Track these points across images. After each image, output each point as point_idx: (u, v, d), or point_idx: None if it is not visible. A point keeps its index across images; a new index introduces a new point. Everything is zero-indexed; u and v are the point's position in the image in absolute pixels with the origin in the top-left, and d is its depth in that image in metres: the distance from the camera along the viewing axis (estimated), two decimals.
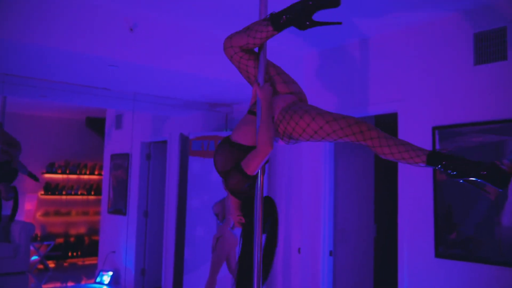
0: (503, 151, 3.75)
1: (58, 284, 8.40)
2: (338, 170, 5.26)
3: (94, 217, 10.06)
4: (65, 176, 9.71)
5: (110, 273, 7.75)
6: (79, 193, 9.86)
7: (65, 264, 9.63)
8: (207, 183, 5.90)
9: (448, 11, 4.12)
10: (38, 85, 5.27)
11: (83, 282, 8.45)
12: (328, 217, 5.11)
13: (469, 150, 3.94)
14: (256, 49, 2.47)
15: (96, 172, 10.10)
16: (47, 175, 9.47)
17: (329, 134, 2.26)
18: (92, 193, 10.02)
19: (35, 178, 6.17)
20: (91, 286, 8.01)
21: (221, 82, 5.09)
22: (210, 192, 5.82)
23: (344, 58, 5.06)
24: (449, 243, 4.04)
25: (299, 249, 5.28)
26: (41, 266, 9.00)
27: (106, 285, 7.72)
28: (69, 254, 9.80)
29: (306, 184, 5.33)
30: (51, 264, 9.34)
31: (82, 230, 10.02)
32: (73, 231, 9.89)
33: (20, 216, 8.66)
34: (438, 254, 4.10)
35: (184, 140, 6.32)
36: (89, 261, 9.77)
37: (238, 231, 5.45)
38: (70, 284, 8.44)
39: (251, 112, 2.46)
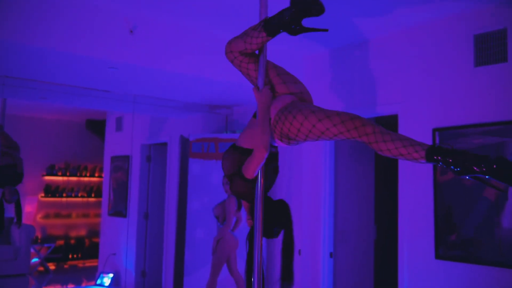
0: (504, 153, 3.75)
1: (59, 286, 8.39)
2: (338, 171, 5.26)
3: (95, 219, 10.05)
4: (65, 178, 9.72)
5: (111, 275, 7.74)
6: (79, 195, 9.87)
7: (66, 266, 9.63)
8: (207, 185, 5.90)
9: (448, 12, 4.12)
10: (38, 87, 5.27)
11: (83, 284, 8.44)
12: (329, 219, 5.11)
13: (470, 151, 3.92)
14: (257, 51, 2.47)
15: (96, 174, 10.11)
16: (47, 177, 9.47)
17: (324, 132, 2.20)
18: (93, 195, 10.03)
19: None
20: None
21: (221, 84, 5.09)
22: (210, 194, 5.82)
23: (343, 60, 5.06)
24: (449, 244, 4.03)
25: (299, 251, 5.27)
26: (41, 268, 9.00)
27: (107, 287, 7.71)
28: (70, 256, 9.81)
29: (306, 184, 5.33)
30: (52, 266, 9.33)
31: (83, 232, 10.02)
32: (73, 233, 9.89)
33: None
34: (438, 256, 4.10)
35: (184, 142, 6.32)
36: (89, 263, 9.77)
37: (238, 233, 5.46)
38: (70, 286, 8.44)
39: (255, 115, 2.46)
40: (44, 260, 8.91)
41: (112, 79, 5.00)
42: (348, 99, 4.98)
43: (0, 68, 4.65)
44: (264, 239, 2.32)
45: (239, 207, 5.42)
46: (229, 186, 2.44)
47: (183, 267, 5.90)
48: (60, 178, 9.64)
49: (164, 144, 7.61)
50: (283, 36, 2.60)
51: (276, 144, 2.45)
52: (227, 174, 2.44)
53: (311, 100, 2.55)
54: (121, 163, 8.11)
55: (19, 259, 8.08)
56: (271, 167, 2.50)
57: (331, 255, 5.09)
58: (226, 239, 5.33)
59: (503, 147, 3.76)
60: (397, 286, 4.50)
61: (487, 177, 1.97)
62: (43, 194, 9.39)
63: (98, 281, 7.72)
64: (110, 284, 7.74)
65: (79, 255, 9.91)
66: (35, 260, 8.83)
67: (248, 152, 2.34)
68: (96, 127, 9.64)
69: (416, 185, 4.34)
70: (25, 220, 8.76)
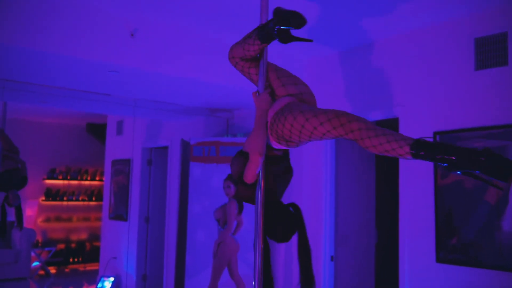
0: (506, 156, 3.74)
1: None
2: (339, 172, 5.24)
3: (95, 223, 10.05)
4: (66, 182, 9.72)
5: (112, 279, 7.73)
6: (80, 199, 9.87)
7: (66, 270, 9.62)
8: (208, 188, 5.89)
9: (449, 16, 4.12)
10: (38, 90, 5.28)
11: None
12: (330, 222, 5.10)
13: None
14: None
15: (97, 178, 10.11)
16: (48, 181, 9.48)
17: (313, 132, 2.18)
18: (93, 199, 10.03)
19: None
20: None
21: (222, 87, 5.09)
22: (211, 198, 5.81)
23: (344, 63, 5.06)
24: (450, 248, 4.02)
25: None
26: (42, 272, 8.99)
27: None
28: (70, 260, 9.80)
29: (306, 187, 5.32)
30: (52, 270, 9.32)
31: (83, 236, 10.01)
32: (74, 237, 9.88)
33: None
34: (439, 259, 4.09)
35: (185, 146, 6.31)
36: (90, 267, 9.77)
37: (239, 236, 5.44)
38: None
39: None
40: (45, 264, 8.91)
41: (113, 82, 5.00)
42: (347, 102, 4.98)
43: (0, 72, 4.66)
44: (281, 243, 2.31)
45: (240, 211, 5.41)
46: (224, 189, 2.46)
47: (184, 271, 5.89)
48: (61, 182, 9.65)
49: (165, 148, 7.61)
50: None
51: (276, 147, 2.45)
52: (235, 178, 2.45)
53: (314, 101, 2.54)
54: (122, 167, 8.11)
55: (19, 263, 8.08)
56: (279, 170, 2.49)
57: (332, 258, 5.08)
58: (227, 242, 5.32)
59: (505, 150, 3.75)
60: None
61: (477, 172, 1.86)
62: (43, 198, 9.40)
63: (99, 285, 7.71)
64: None
65: (80, 259, 9.90)
66: (36, 264, 8.83)
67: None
68: (97, 130, 9.64)
69: (416, 188, 4.33)
70: (26, 224, 8.76)
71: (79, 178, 9.87)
